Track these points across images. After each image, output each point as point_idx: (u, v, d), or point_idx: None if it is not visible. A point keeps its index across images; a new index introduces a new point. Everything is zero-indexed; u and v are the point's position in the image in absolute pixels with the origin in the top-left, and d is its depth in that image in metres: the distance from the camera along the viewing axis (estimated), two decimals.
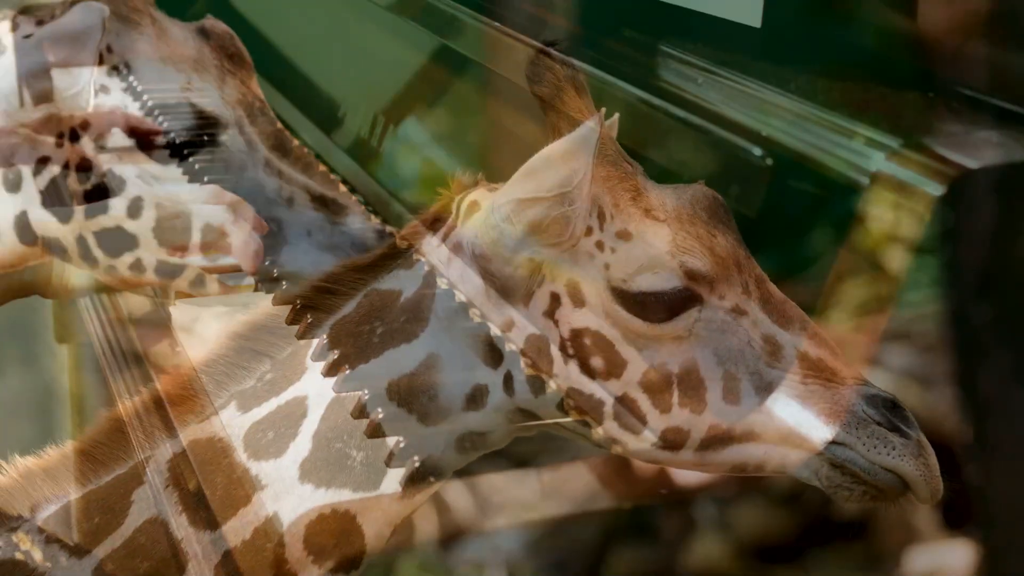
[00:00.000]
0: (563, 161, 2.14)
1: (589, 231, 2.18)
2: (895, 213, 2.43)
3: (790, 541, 3.78)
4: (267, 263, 2.86)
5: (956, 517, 3.40)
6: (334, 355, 2.24)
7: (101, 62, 2.89)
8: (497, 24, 2.79)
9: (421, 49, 3.25)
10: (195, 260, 2.89)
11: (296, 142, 2.99)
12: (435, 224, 2.28)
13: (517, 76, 2.34)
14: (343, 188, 2.98)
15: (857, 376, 2.17)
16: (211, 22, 3.01)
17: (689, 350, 2.16)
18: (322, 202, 2.93)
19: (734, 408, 2.15)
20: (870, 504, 2.16)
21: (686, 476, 3.57)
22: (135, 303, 3.09)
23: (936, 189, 2.29)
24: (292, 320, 2.27)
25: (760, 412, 2.15)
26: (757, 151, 2.33)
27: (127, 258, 2.92)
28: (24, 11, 2.94)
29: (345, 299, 2.27)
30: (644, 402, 2.16)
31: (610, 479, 3.76)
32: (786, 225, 2.98)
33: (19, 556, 2.23)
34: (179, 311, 3.03)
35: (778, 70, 2.49)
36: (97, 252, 2.92)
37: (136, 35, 2.92)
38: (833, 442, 2.13)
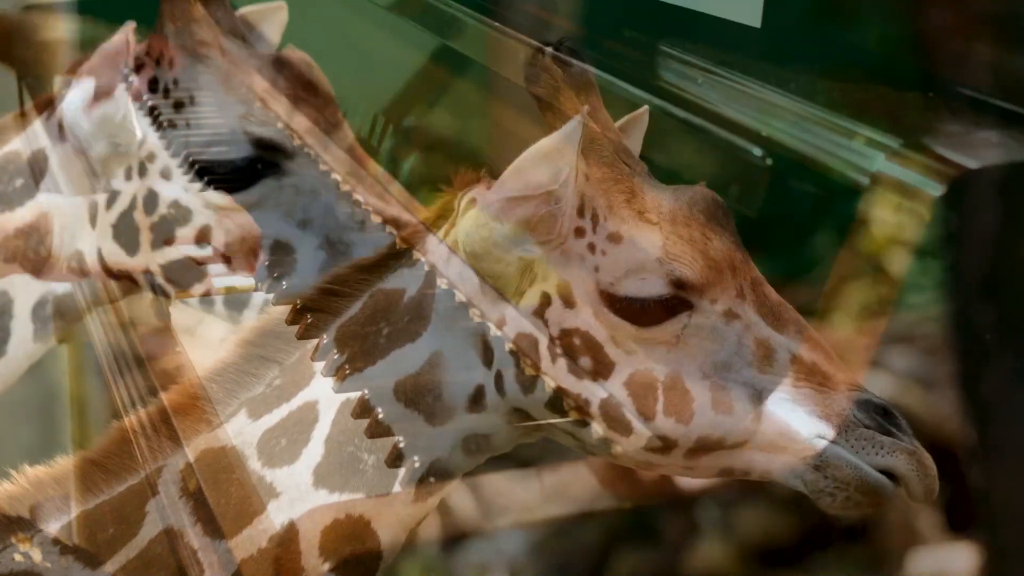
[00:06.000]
0: (549, 159, 2.14)
1: (582, 232, 2.17)
2: (896, 214, 2.43)
3: (793, 544, 3.78)
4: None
5: (959, 519, 3.40)
6: (341, 358, 2.24)
7: (167, 96, 2.91)
8: (497, 24, 2.79)
9: (421, 49, 3.26)
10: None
11: (373, 166, 2.99)
12: (437, 222, 2.28)
13: (517, 76, 2.33)
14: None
15: (851, 381, 2.15)
16: (288, 51, 3.02)
17: (677, 358, 2.16)
18: (396, 225, 2.93)
19: (725, 418, 2.14)
20: (854, 511, 2.15)
21: (688, 479, 3.57)
22: (137, 305, 3.09)
23: (937, 189, 2.28)
24: (293, 322, 2.27)
25: (751, 420, 2.15)
26: (757, 151, 2.33)
27: (197, 288, 2.92)
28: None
29: (350, 300, 2.26)
30: (630, 405, 2.16)
31: (612, 481, 3.76)
32: (787, 226, 2.98)
33: (32, 567, 2.22)
34: (181, 313, 3.03)
35: (778, 70, 2.49)
36: (166, 285, 2.93)
37: (202, 68, 2.93)
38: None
